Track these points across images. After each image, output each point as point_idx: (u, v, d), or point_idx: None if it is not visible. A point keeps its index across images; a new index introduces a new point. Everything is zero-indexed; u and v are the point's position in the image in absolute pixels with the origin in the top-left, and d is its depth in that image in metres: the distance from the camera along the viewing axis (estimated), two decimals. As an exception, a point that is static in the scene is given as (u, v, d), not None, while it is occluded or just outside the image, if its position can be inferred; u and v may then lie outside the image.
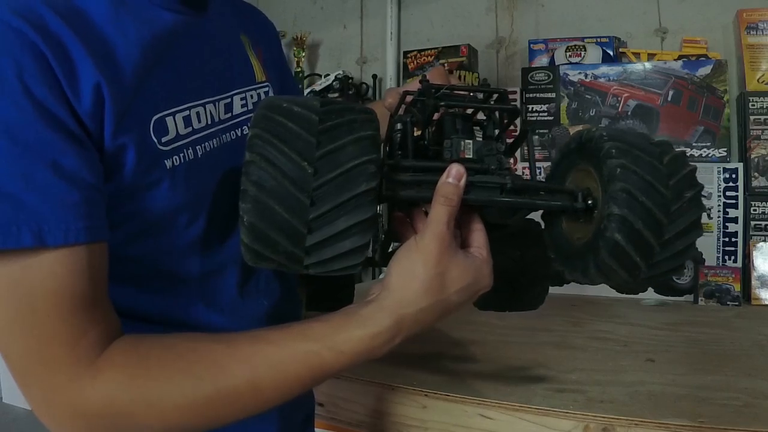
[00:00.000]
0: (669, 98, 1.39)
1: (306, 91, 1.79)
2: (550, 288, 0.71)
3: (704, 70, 1.37)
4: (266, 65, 0.69)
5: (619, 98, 1.43)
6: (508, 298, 0.70)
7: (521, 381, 0.78)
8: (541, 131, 1.49)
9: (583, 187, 0.51)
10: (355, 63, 1.87)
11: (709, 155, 1.36)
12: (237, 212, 0.44)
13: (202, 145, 0.53)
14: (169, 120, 0.49)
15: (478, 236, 0.51)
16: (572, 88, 1.47)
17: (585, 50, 1.49)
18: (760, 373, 0.78)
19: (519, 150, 1.33)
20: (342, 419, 0.81)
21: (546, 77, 1.50)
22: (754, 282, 1.27)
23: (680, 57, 1.41)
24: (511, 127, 0.58)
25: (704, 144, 1.37)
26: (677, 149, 0.50)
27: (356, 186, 0.43)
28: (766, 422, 0.62)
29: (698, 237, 0.48)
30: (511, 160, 1.25)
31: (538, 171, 1.42)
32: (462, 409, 0.72)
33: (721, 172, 1.33)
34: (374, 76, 1.78)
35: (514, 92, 1.53)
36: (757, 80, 1.34)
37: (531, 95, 1.51)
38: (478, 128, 0.57)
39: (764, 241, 1.29)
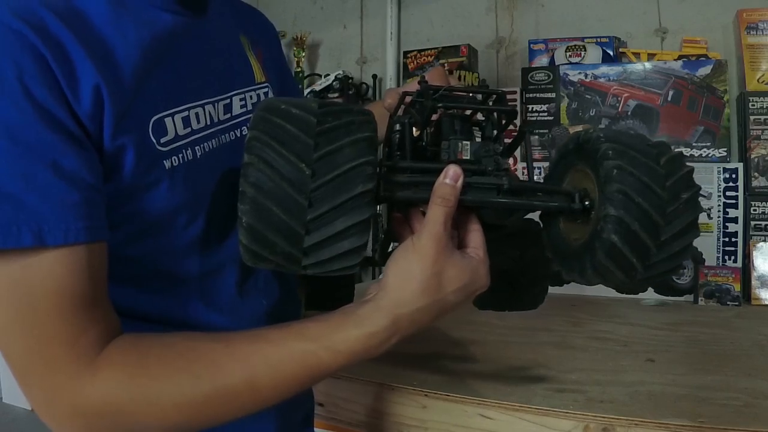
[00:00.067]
0: (669, 98, 1.39)
1: (306, 91, 1.79)
2: (550, 288, 0.71)
3: (704, 70, 1.37)
4: (266, 66, 0.69)
5: (619, 98, 1.43)
6: (507, 297, 0.70)
7: (521, 381, 0.78)
8: (541, 131, 1.49)
9: (580, 188, 0.51)
10: (355, 63, 1.87)
11: (709, 155, 1.36)
12: (236, 212, 0.44)
13: (201, 145, 0.53)
14: (168, 121, 0.50)
15: (475, 237, 0.51)
16: (572, 88, 1.47)
17: (585, 50, 1.49)
18: (760, 373, 0.78)
19: (519, 150, 1.33)
20: (342, 419, 0.81)
21: (546, 77, 1.50)
22: (754, 282, 1.27)
23: (680, 57, 1.41)
24: (512, 128, 0.58)
25: (704, 144, 1.37)
26: (675, 150, 0.51)
27: (353, 187, 0.43)
28: (766, 422, 0.62)
29: (695, 238, 0.48)
30: (511, 161, 1.26)
31: (538, 171, 1.42)
32: (462, 409, 0.72)
33: (721, 172, 1.33)
34: (374, 76, 1.78)
35: (514, 92, 1.53)
36: (757, 80, 1.34)
37: (531, 95, 1.51)
38: (477, 129, 0.57)
39: (764, 241, 1.29)
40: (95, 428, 0.44)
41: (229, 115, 0.58)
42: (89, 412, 0.42)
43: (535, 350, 0.91)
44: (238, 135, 0.59)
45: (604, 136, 0.49)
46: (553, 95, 1.48)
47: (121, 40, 0.47)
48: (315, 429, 0.76)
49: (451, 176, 0.47)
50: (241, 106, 0.60)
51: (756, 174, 1.32)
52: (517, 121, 1.50)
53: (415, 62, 1.67)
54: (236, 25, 0.66)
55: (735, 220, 1.31)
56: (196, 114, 0.53)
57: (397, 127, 0.56)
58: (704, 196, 1.33)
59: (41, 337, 0.41)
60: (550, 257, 0.55)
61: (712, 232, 1.32)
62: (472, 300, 0.53)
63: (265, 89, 0.66)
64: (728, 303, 1.24)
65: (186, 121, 0.52)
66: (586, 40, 1.50)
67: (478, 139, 0.56)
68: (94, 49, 0.45)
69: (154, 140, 0.48)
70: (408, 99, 0.60)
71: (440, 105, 0.53)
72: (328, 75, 1.78)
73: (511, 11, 1.67)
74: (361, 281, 1.61)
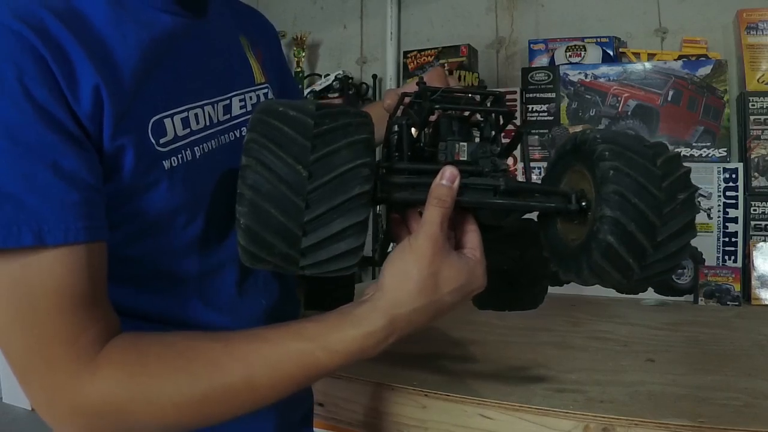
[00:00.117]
0: (669, 98, 1.39)
1: (306, 92, 1.79)
2: (550, 288, 0.71)
3: (704, 70, 1.37)
4: (265, 67, 0.69)
5: (619, 98, 1.43)
6: (507, 297, 0.70)
7: (521, 381, 0.78)
8: (541, 131, 1.49)
9: (577, 188, 0.51)
10: (355, 63, 1.87)
11: (709, 155, 1.36)
12: (235, 213, 0.44)
13: (201, 146, 0.53)
14: (168, 121, 0.50)
15: (472, 237, 0.51)
16: (572, 88, 1.47)
17: (585, 50, 1.49)
18: (760, 373, 0.78)
19: (519, 150, 1.33)
20: (342, 419, 0.81)
21: (546, 77, 1.50)
22: (754, 282, 1.27)
23: (680, 57, 1.41)
24: (512, 128, 0.58)
25: (704, 144, 1.37)
26: (674, 150, 0.51)
27: (350, 189, 0.43)
28: (766, 422, 0.62)
29: (692, 238, 0.48)
30: (510, 161, 1.26)
31: (538, 171, 1.42)
32: (462, 409, 0.72)
33: (721, 172, 1.33)
34: (374, 76, 1.78)
35: (514, 92, 1.53)
36: (757, 80, 1.34)
37: (531, 95, 1.51)
38: (476, 130, 0.57)
39: (764, 241, 1.29)
40: (95, 426, 0.44)
41: (228, 116, 0.58)
42: (89, 411, 0.43)
43: (535, 350, 0.91)
44: (238, 136, 0.59)
45: (600, 137, 0.49)
46: (553, 95, 1.48)
47: (120, 41, 0.47)
48: (315, 429, 0.76)
49: (447, 177, 0.47)
50: (241, 107, 0.60)
51: (756, 174, 1.32)
52: (518, 122, 1.50)
53: (415, 62, 1.67)
54: (236, 26, 0.66)
55: (735, 220, 1.31)
56: (196, 115, 0.53)
57: (395, 128, 0.56)
58: (704, 196, 1.33)
59: (41, 335, 0.42)
60: (548, 257, 0.55)
61: (712, 232, 1.32)
62: (469, 300, 0.53)
63: (265, 90, 0.66)
64: (728, 303, 1.24)
65: (185, 122, 0.52)
66: (586, 40, 1.50)
67: (478, 140, 0.56)
68: (94, 50, 0.45)
69: (154, 141, 0.48)
70: (407, 100, 0.60)
71: (437, 106, 0.53)
72: (328, 75, 1.78)
73: (511, 11, 1.68)
74: (361, 281, 1.61)
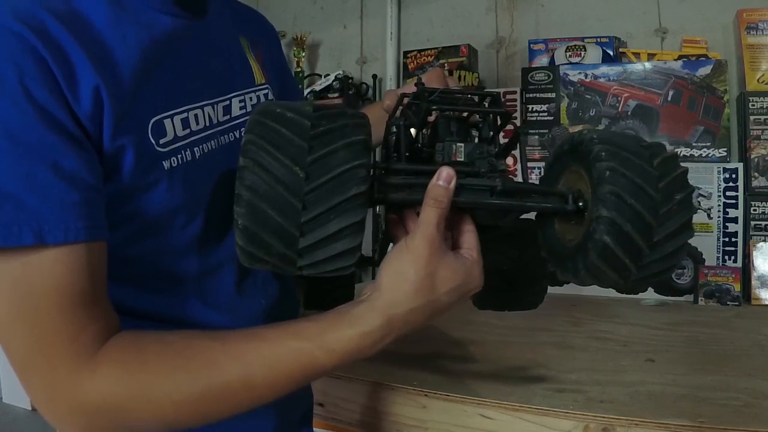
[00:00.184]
0: (669, 98, 1.39)
1: (306, 92, 1.79)
2: (550, 288, 0.71)
3: (704, 70, 1.37)
4: (266, 67, 0.69)
5: (619, 98, 1.43)
6: (507, 297, 0.70)
7: (521, 381, 0.78)
8: (542, 131, 1.49)
9: (575, 189, 0.52)
10: (355, 63, 1.87)
11: (709, 155, 1.36)
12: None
13: (201, 146, 0.53)
14: (167, 122, 0.50)
15: (469, 237, 0.51)
16: (572, 88, 1.47)
17: (585, 50, 1.49)
18: (760, 373, 0.78)
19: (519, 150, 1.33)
20: (342, 419, 0.81)
21: (546, 77, 1.50)
22: (754, 282, 1.27)
23: (680, 57, 1.41)
24: (512, 128, 0.58)
25: (704, 144, 1.37)
26: (671, 150, 0.51)
27: (347, 190, 0.44)
28: (766, 422, 0.62)
29: (689, 238, 0.48)
30: (510, 161, 1.26)
31: (538, 171, 1.42)
32: (462, 409, 0.72)
33: (721, 172, 1.33)
34: (374, 76, 1.78)
35: (514, 92, 1.53)
36: (757, 80, 1.34)
37: (531, 95, 1.51)
38: (475, 131, 0.57)
39: (764, 241, 1.29)
40: (95, 424, 0.44)
41: (228, 117, 0.58)
42: (88, 408, 0.43)
43: (535, 350, 0.91)
44: (237, 136, 0.59)
45: (597, 138, 0.49)
46: (553, 95, 1.48)
47: (120, 42, 0.47)
48: (315, 429, 0.76)
49: (443, 178, 0.47)
50: (241, 108, 0.61)
51: (756, 174, 1.32)
52: (518, 122, 1.50)
53: (415, 62, 1.67)
54: (236, 27, 0.66)
55: (735, 220, 1.31)
56: (195, 115, 0.53)
57: (393, 129, 0.56)
58: (704, 196, 1.33)
59: (42, 333, 0.42)
60: (546, 258, 0.55)
61: (712, 232, 1.32)
62: (467, 300, 0.53)
63: (265, 91, 0.67)
64: (728, 303, 1.24)
65: (185, 123, 0.52)
66: (586, 40, 1.50)
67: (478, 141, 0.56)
68: (94, 51, 0.45)
69: (154, 141, 0.49)
70: (406, 101, 0.60)
71: (434, 107, 0.53)
72: (328, 75, 1.78)
73: (511, 11, 1.68)
74: (361, 281, 1.62)
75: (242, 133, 0.59)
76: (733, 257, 1.31)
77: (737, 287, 1.25)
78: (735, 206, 1.32)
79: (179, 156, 0.51)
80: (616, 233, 0.45)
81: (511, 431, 0.69)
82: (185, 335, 0.47)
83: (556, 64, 1.51)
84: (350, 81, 1.78)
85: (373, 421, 0.78)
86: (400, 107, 0.62)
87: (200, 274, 0.55)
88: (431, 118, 0.56)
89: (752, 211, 1.31)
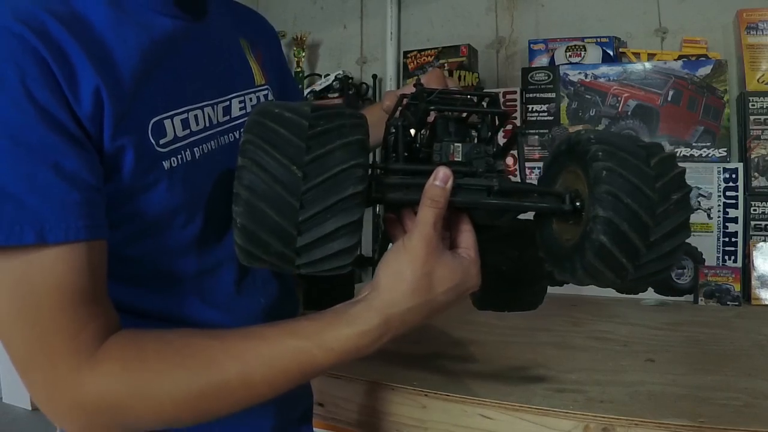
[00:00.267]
0: (669, 98, 1.39)
1: (306, 92, 1.79)
2: (550, 288, 0.71)
3: (704, 70, 1.37)
4: (265, 68, 0.69)
5: (619, 98, 1.43)
6: (507, 298, 0.70)
7: (521, 381, 0.78)
8: (542, 131, 1.49)
9: (572, 189, 0.52)
10: (355, 63, 1.87)
11: (709, 155, 1.36)
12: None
13: (200, 147, 0.54)
14: (167, 122, 0.50)
15: (467, 237, 0.52)
16: (572, 88, 1.47)
17: (585, 50, 1.49)
18: (760, 373, 0.78)
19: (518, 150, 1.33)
20: (342, 419, 0.81)
21: (546, 77, 1.50)
22: (754, 282, 1.27)
23: (680, 57, 1.41)
24: (511, 128, 0.58)
25: (704, 144, 1.37)
26: (669, 150, 0.51)
27: (344, 189, 0.44)
28: (766, 422, 0.62)
29: (686, 238, 0.48)
30: (510, 161, 1.26)
31: (537, 171, 1.42)
32: (462, 409, 0.72)
33: (721, 172, 1.33)
34: (374, 76, 1.78)
35: (514, 92, 1.53)
36: (757, 80, 1.34)
37: (531, 95, 1.51)
38: (474, 131, 0.57)
39: (764, 241, 1.29)
40: (94, 421, 0.45)
41: (228, 117, 0.59)
42: (88, 405, 0.44)
43: (535, 350, 0.91)
44: (237, 137, 0.59)
45: (594, 138, 0.49)
46: (553, 95, 1.48)
47: (120, 43, 0.48)
48: (314, 429, 0.76)
49: (440, 178, 0.47)
50: (240, 109, 0.61)
51: (756, 174, 1.32)
52: (518, 122, 1.50)
53: (415, 62, 1.67)
54: (236, 28, 0.67)
55: (735, 220, 1.32)
56: (195, 116, 0.54)
57: (392, 129, 0.56)
58: (704, 196, 1.33)
59: (43, 331, 0.42)
60: (543, 257, 0.56)
61: (712, 232, 1.32)
62: (465, 300, 0.53)
63: (265, 91, 0.67)
64: (728, 303, 1.25)
65: (185, 123, 0.52)
66: (586, 40, 1.50)
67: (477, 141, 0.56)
68: (94, 52, 0.45)
69: (154, 141, 0.49)
70: (405, 101, 0.60)
71: (432, 108, 0.54)
72: (328, 75, 1.78)
73: (511, 11, 1.68)
74: (361, 281, 1.62)
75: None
76: (733, 257, 1.31)
77: (737, 287, 1.25)
78: (735, 206, 1.32)
79: (179, 156, 0.51)
80: (613, 233, 0.46)
81: (511, 431, 0.69)
82: (185, 334, 0.48)
83: (556, 64, 1.51)
84: (350, 81, 1.78)
85: (372, 421, 0.78)
86: (400, 108, 0.62)
87: (200, 273, 0.56)
88: (430, 119, 0.57)
89: (752, 211, 1.31)
